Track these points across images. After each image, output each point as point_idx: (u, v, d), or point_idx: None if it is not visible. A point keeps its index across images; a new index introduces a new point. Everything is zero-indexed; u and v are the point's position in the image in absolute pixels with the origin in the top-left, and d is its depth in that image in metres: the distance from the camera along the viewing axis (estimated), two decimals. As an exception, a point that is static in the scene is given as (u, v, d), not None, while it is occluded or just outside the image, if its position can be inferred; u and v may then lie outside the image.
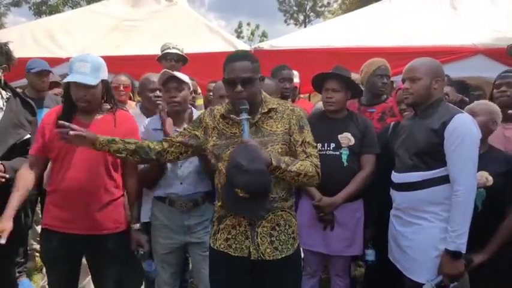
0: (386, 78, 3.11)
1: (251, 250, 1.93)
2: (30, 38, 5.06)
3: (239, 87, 1.88)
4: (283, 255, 1.94)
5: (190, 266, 3.31)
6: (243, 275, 1.97)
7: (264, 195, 1.84)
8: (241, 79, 1.88)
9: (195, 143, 2.07)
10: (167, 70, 2.46)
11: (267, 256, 1.92)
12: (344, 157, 2.60)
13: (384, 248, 2.45)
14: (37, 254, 4.01)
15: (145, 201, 2.58)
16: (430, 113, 2.17)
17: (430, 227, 2.09)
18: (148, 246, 2.39)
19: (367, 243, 2.67)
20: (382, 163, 2.56)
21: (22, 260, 3.54)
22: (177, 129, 2.40)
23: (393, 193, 2.32)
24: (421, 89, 2.18)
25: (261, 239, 1.93)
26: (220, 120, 2.03)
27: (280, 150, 1.92)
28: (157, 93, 2.88)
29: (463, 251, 1.99)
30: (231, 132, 1.98)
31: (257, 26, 31.20)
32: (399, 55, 4.11)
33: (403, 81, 2.28)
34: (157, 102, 2.88)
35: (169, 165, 2.46)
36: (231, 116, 1.98)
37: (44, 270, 2.87)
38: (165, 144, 2.09)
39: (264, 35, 29.27)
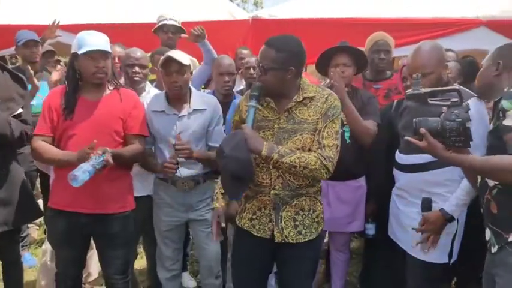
0: (384, 53, 3.04)
1: (275, 233, 1.95)
2: (17, 5, 4.85)
3: (257, 71, 1.87)
4: (306, 239, 1.96)
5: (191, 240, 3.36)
6: (264, 254, 2.01)
7: (241, 181, 1.85)
8: (259, 65, 1.86)
9: None
10: (170, 55, 2.35)
11: (290, 239, 1.95)
12: (347, 134, 2.58)
13: (383, 222, 2.48)
14: (37, 228, 4.04)
15: (147, 174, 2.59)
16: (437, 96, 2.13)
17: (436, 207, 2.09)
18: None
19: (367, 218, 2.70)
20: (385, 140, 2.54)
21: (24, 235, 3.56)
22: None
23: (397, 173, 2.31)
24: (434, 82, 2.12)
25: (284, 223, 1.94)
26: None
27: (309, 140, 1.88)
28: (136, 69, 2.76)
29: (456, 217, 2.05)
30: (263, 115, 1.93)
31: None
32: (400, 26, 4.03)
33: (411, 75, 2.17)
34: (135, 78, 2.77)
35: (168, 150, 2.44)
36: (266, 98, 1.93)
37: (44, 245, 2.91)
38: None
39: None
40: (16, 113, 2.35)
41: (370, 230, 2.71)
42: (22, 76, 2.49)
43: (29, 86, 3.25)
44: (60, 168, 2.22)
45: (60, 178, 2.19)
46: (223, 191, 2.06)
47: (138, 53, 2.81)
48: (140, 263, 3.35)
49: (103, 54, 2.15)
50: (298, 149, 1.86)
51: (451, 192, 2.07)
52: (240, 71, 3.47)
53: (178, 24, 3.60)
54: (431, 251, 2.07)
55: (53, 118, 2.20)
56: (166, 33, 3.54)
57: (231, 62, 2.98)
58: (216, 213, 2.07)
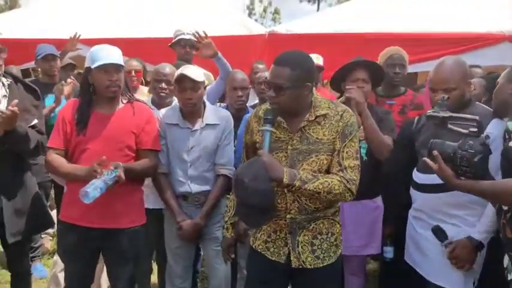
0: (399, 67, 2.96)
1: (292, 258, 1.87)
2: (39, 19, 4.96)
3: (271, 92, 1.78)
4: (324, 264, 1.88)
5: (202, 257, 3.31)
6: (279, 278, 1.94)
7: (261, 212, 1.77)
8: (274, 85, 1.77)
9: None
10: (183, 72, 2.35)
11: (308, 264, 1.87)
12: (363, 151, 2.51)
13: (401, 245, 2.37)
14: (50, 238, 4.05)
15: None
16: (457, 121, 2.05)
17: (457, 231, 2.01)
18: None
19: (385, 240, 2.60)
20: (404, 158, 2.45)
21: (36, 245, 3.56)
22: None
23: (414, 193, 2.22)
24: (457, 98, 2.05)
25: (302, 247, 1.87)
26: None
27: (325, 161, 1.81)
28: (163, 85, 2.78)
29: (485, 244, 1.96)
30: (276, 137, 1.84)
31: (270, 3, 30.63)
32: (421, 41, 3.97)
33: (433, 90, 2.11)
34: (161, 94, 2.79)
35: (179, 165, 2.43)
36: (278, 119, 1.85)
37: (55, 256, 2.90)
38: None
39: (276, 12, 28.75)
40: (32, 123, 2.37)
41: (389, 253, 2.60)
42: (35, 87, 2.51)
43: (52, 98, 3.30)
44: (71, 182, 2.22)
45: (72, 192, 2.18)
46: (232, 221, 2.02)
47: (166, 68, 2.83)
48: (152, 279, 3.30)
49: (116, 67, 2.16)
50: (315, 171, 1.79)
51: (474, 216, 1.98)
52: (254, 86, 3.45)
53: (195, 39, 3.60)
54: (456, 277, 1.98)
55: (67, 131, 2.21)
56: (184, 48, 3.57)
57: (244, 76, 2.96)
58: (226, 244, 2.05)
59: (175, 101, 2.87)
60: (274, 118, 1.80)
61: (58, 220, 2.32)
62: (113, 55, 2.16)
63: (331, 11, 5.56)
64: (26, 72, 4.08)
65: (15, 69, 3.93)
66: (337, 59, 3.49)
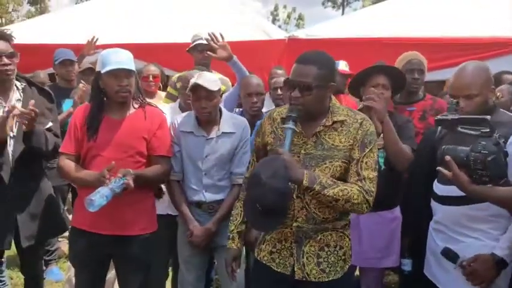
0: (418, 73, 2.85)
1: (296, 269, 1.80)
2: (57, 24, 5.06)
3: (296, 93, 1.71)
4: (330, 278, 1.79)
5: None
6: None
7: (275, 215, 1.69)
8: (300, 84, 1.70)
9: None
10: (197, 82, 2.31)
11: (312, 277, 1.79)
12: (381, 160, 2.41)
13: (421, 257, 2.26)
14: (67, 242, 4.08)
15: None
16: (468, 124, 1.92)
17: (480, 245, 1.90)
18: None
19: (404, 252, 2.50)
20: (425, 168, 2.35)
21: (52, 249, 3.59)
22: None
23: (435, 205, 2.12)
24: (479, 106, 1.94)
25: (307, 258, 1.79)
26: (280, 123, 1.84)
27: (339, 168, 1.74)
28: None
29: (508, 262, 1.84)
30: None
31: (293, 9, 30.67)
32: (443, 46, 3.85)
33: (453, 97, 2.02)
34: (188, 101, 2.76)
35: (193, 173, 2.40)
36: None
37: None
38: None
39: (300, 18, 28.77)
40: (47, 126, 2.40)
41: (407, 265, 2.50)
42: (49, 90, 2.54)
43: (70, 103, 3.34)
44: (82, 188, 2.21)
45: (83, 198, 2.16)
46: (239, 230, 1.93)
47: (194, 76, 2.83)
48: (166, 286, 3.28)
49: (126, 72, 2.13)
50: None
51: (498, 229, 1.88)
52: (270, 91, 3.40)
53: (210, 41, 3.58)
54: None
55: (78, 136, 2.20)
56: (201, 53, 3.54)
57: (259, 81, 2.91)
58: (231, 256, 1.95)
59: None
60: (297, 116, 1.73)
61: (71, 226, 2.33)
62: (122, 59, 2.13)
63: (353, 16, 5.49)
64: (52, 77, 4.16)
65: (43, 74, 4.01)
66: (357, 64, 3.42)
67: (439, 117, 1.65)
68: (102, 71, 2.13)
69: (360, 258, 2.40)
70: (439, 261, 2.10)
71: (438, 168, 1.62)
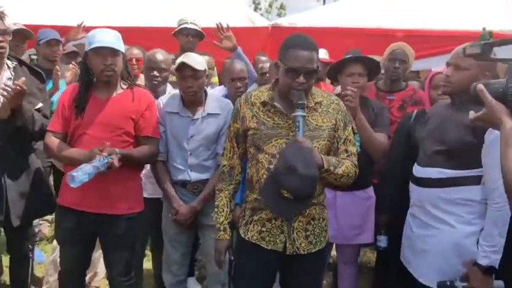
0: (399, 62, 2.97)
1: (287, 245, 1.88)
2: (41, 5, 4.95)
3: (301, 79, 1.76)
4: (316, 249, 1.92)
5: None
6: (271, 267, 1.96)
7: (308, 200, 1.80)
8: (306, 70, 1.76)
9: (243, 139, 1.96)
10: (183, 61, 2.34)
11: (302, 250, 1.90)
12: (357, 143, 2.52)
13: (396, 235, 2.35)
14: (48, 225, 4.07)
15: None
16: (469, 107, 1.99)
17: (452, 232, 1.97)
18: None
19: (379, 229, 2.62)
20: (401, 151, 2.46)
21: (34, 231, 3.58)
22: None
23: (412, 187, 2.20)
24: (464, 81, 1.88)
25: (296, 233, 1.89)
26: (260, 108, 1.88)
27: (325, 147, 1.87)
28: (154, 73, 2.76)
29: (497, 266, 1.87)
30: (273, 123, 1.86)
31: (275, -3, 30.44)
32: (421, 38, 3.96)
33: (448, 65, 2.04)
34: (153, 82, 2.78)
35: (178, 153, 2.43)
36: (275, 104, 1.86)
37: (55, 241, 2.92)
38: (237, 162, 2.00)
39: (282, 8, 28.60)
40: (37, 107, 2.39)
41: (382, 242, 2.61)
42: (40, 70, 2.52)
43: (50, 84, 3.31)
44: (69, 166, 2.22)
45: None
46: (229, 220, 1.98)
47: (158, 55, 2.80)
48: (146, 265, 3.33)
49: (111, 51, 2.13)
50: None
51: (471, 213, 1.94)
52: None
53: (198, 29, 3.62)
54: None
55: (66, 115, 2.21)
56: (187, 37, 3.57)
57: (243, 66, 2.97)
58: (224, 246, 2.00)
59: (168, 87, 2.88)
60: (304, 102, 1.80)
61: (57, 205, 2.34)
62: (108, 38, 2.13)
63: (335, 6, 5.54)
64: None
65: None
66: (338, 53, 3.51)
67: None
68: (87, 49, 2.14)
69: (337, 236, 2.52)
70: (410, 246, 2.16)
71: (471, 112, 1.33)
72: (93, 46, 2.11)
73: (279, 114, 1.86)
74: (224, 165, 2.01)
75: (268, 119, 1.87)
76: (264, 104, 1.88)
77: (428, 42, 3.97)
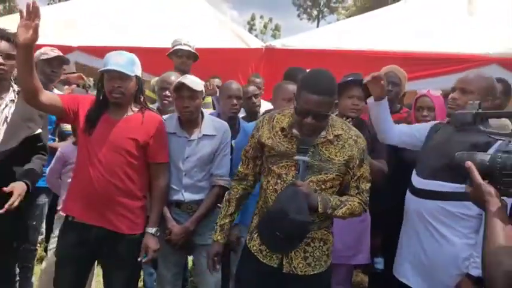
0: (391, 85, 3.03)
1: (284, 263, 1.91)
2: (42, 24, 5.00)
3: (309, 119, 1.78)
4: (315, 272, 1.93)
5: (190, 264, 3.31)
6: (268, 282, 1.96)
7: (300, 241, 1.84)
8: (315, 113, 1.77)
9: (261, 154, 2.02)
10: (182, 81, 2.40)
11: (299, 271, 1.91)
12: None
13: (390, 256, 2.39)
14: (38, 245, 4.01)
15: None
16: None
17: (449, 244, 2.01)
18: (155, 256, 2.32)
19: (376, 252, 2.61)
20: (390, 166, 2.51)
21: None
22: None
23: (410, 198, 2.21)
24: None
25: (294, 253, 1.91)
26: (278, 132, 1.92)
27: (333, 180, 1.89)
28: (167, 93, 2.90)
29: None
30: (286, 147, 1.89)
31: (270, 19, 31.01)
32: (411, 60, 4.03)
33: (453, 89, 2.18)
34: (165, 101, 2.89)
35: (173, 173, 2.45)
36: (293, 131, 1.88)
37: (44, 263, 2.88)
38: (251, 172, 2.07)
39: (276, 29, 29.15)
40: (36, 132, 2.40)
41: (379, 264, 2.62)
42: None
43: None
44: (78, 178, 2.26)
45: (76, 187, 2.27)
46: (222, 222, 2.05)
47: (172, 77, 2.97)
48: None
49: (120, 74, 2.17)
50: (325, 188, 1.87)
51: (467, 228, 1.99)
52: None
53: (192, 50, 3.68)
54: None
55: (78, 108, 2.25)
56: (180, 58, 3.62)
57: (239, 86, 3.06)
58: (213, 250, 2.06)
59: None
60: (308, 147, 1.83)
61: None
62: (119, 61, 2.18)
63: (328, 28, 5.65)
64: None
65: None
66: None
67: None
68: (99, 70, 2.22)
69: (333, 256, 2.52)
70: (406, 256, 2.19)
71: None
72: (103, 69, 2.18)
73: (294, 140, 1.89)
74: (239, 171, 2.10)
75: (282, 143, 1.90)
76: (282, 129, 1.92)
77: (420, 65, 4.05)
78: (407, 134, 2.38)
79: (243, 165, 2.08)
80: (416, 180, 2.18)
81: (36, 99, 2.09)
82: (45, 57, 3.15)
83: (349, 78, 2.59)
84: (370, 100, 2.40)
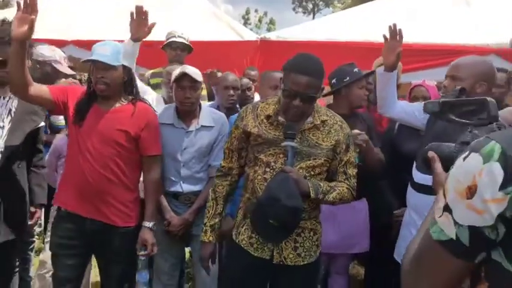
0: None
1: (274, 254, 1.91)
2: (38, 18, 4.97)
3: (297, 102, 1.78)
4: (305, 262, 1.93)
5: (187, 256, 3.32)
6: (258, 275, 1.96)
7: (288, 228, 1.82)
8: (303, 95, 1.77)
9: (246, 144, 1.98)
10: (185, 71, 2.38)
11: (289, 261, 1.91)
12: (357, 159, 2.55)
13: (388, 245, 2.40)
14: (36, 237, 4.01)
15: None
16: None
17: None
18: (154, 250, 2.30)
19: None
20: (387, 164, 2.51)
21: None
22: None
23: (411, 192, 2.21)
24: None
25: (285, 243, 1.90)
26: (264, 120, 1.91)
27: (321, 165, 1.89)
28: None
29: None
30: (274, 135, 1.88)
31: (265, 13, 30.91)
32: (408, 52, 4.01)
33: (446, 77, 2.14)
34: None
35: (171, 165, 2.44)
36: (279, 118, 1.87)
37: (42, 255, 2.88)
38: (235, 165, 2.01)
39: (271, 23, 29.04)
40: (39, 125, 2.39)
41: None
42: None
43: None
44: (69, 169, 2.25)
45: (68, 179, 2.26)
46: (212, 223, 2.01)
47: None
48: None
49: (103, 65, 2.12)
50: (310, 172, 1.86)
51: None
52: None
53: (186, 42, 3.66)
54: None
55: (67, 103, 2.22)
56: (175, 50, 3.61)
57: (236, 77, 3.07)
58: (208, 252, 2.03)
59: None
60: (295, 132, 1.83)
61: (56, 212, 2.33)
62: (103, 52, 2.13)
63: (324, 20, 5.65)
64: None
65: None
66: (327, 66, 3.55)
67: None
68: (82, 61, 2.20)
69: (332, 246, 2.51)
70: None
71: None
72: (85, 58, 2.15)
73: (281, 127, 1.88)
74: (223, 166, 2.05)
75: (269, 131, 1.89)
76: (268, 117, 1.91)
77: (416, 56, 4.05)
78: (407, 112, 2.37)
79: (226, 159, 2.03)
80: (417, 175, 2.17)
81: (24, 92, 2.06)
82: (54, 65, 3.04)
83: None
84: (380, 70, 2.38)
